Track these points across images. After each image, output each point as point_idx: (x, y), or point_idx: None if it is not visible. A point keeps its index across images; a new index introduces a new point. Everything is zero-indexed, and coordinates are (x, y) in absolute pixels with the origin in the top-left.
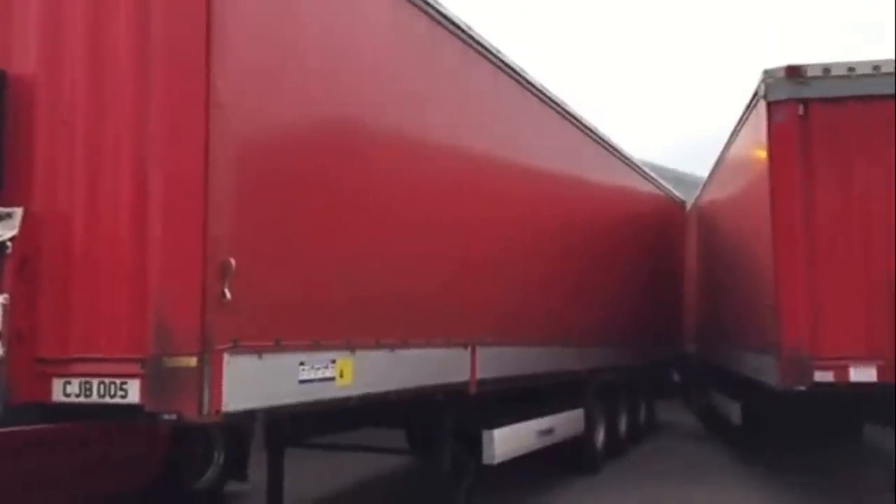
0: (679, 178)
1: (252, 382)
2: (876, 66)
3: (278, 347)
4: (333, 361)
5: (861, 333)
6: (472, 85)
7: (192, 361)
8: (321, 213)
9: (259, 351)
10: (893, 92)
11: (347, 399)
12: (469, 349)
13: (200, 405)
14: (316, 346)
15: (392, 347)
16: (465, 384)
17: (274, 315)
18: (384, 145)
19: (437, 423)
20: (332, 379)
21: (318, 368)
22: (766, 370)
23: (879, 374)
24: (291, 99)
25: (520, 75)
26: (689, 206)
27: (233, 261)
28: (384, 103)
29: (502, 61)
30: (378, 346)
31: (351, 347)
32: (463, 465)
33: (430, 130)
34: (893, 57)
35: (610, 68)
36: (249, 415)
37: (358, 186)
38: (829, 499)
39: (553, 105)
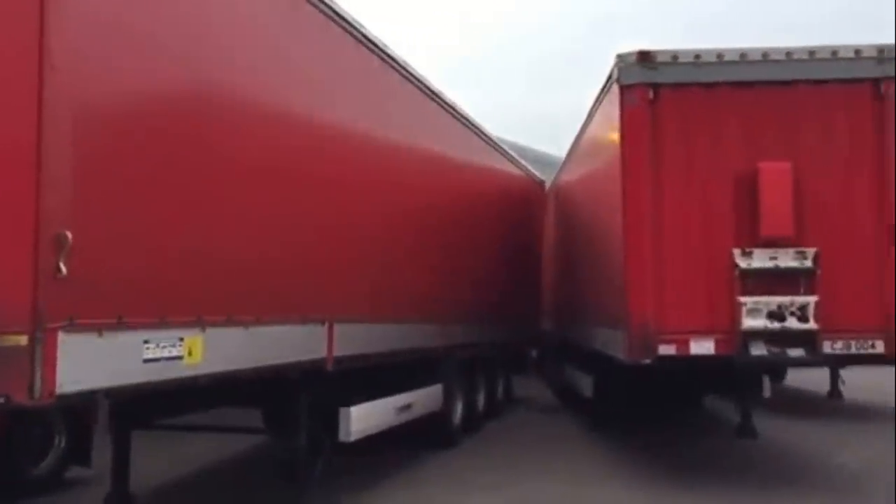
0: (540, 158)
1: (91, 362)
2: (720, 55)
3: (121, 325)
4: (181, 339)
5: (702, 309)
6: (333, 58)
7: (22, 340)
8: (169, 184)
9: (99, 329)
10: (736, 80)
11: (197, 378)
12: (326, 326)
13: (32, 387)
14: (162, 324)
15: (245, 324)
16: (322, 361)
17: (116, 291)
18: (238, 115)
19: (292, 401)
20: (179, 358)
21: (165, 347)
22: (616, 345)
23: (717, 347)
24: (138, 63)
25: (382, 50)
26: (548, 185)
27: (69, 234)
28: (240, 71)
29: (364, 36)
30: (230, 323)
31: (201, 325)
32: (318, 443)
33: (287, 101)
34: (740, 46)
35: (473, 48)
36: (89, 396)
37: (209, 158)
38: (673, 462)
39: (415, 81)
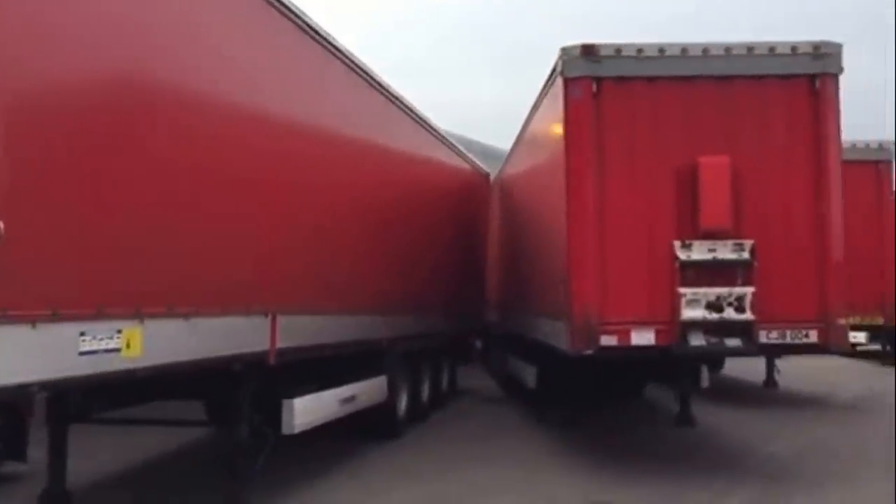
0: (486, 151)
1: (24, 355)
2: (661, 49)
3: (55, 317)
4: (119, 331)
5: (643, 300)
6: (274, 47)
7: None
8: (105, 173)
9: (33, 321)
10: (677, 74)
11: (135, 371)
12: (269, 317)
13: None
14: (99, 316)
15: (186, 316)
16: (265, 353)
17: (51, 282)
18: (174, 103)
19: (235, 393)
20: (117, 350)
21: (102, 339)
22: (558, 336)
23: (657, 338)
24: (70, 49)
25: (325, 40)
26: (493, 178)
27: (1, 225)
28: (176, 59)
29: (307, 24)
30: (170, 314)
31: (140, 316)
32: (261, 435)
33: (228, 90)
34: (680, 41)
35: (421, 42)
36: (23, 389)
37: (146, 145)
38: (613, 450)
39: (360, 72)
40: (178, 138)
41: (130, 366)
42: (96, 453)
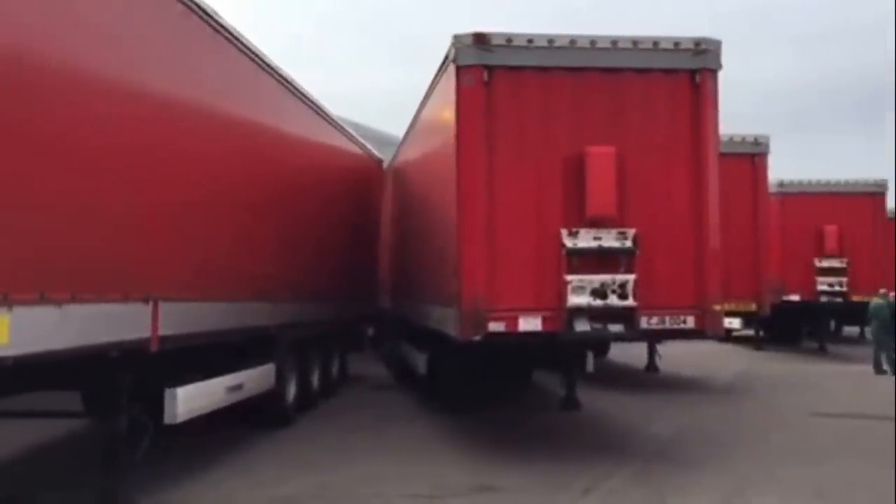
0: (381, 138)
1: None
2: (551, 40)
3: None
4: None
5: (531, 288)
6: (158, 26)
7: None
8: None
9: None
10: (566, 65)
11: (2, 360)
12: (151, 304)
13: None
14: None
15: (59, 303)
16: (146, 341)
17: None
18: (48, 81)
19: (113, 383)
20: None
21: None
22: (449, 322)
23: (544, 324)
24: None
25: (213, 18)
26: (386, 164)
27: None
28: (50, 37)
29: (196, 4)
30: (43, 301)
31: (8, 303)
32: (142, 425)
33: (103, 66)
34: (572, 33)
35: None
36: None
37: (18, 123)
38: (502, 436)
39: (248, 53)
40: (48, 120)
41: None
42: None
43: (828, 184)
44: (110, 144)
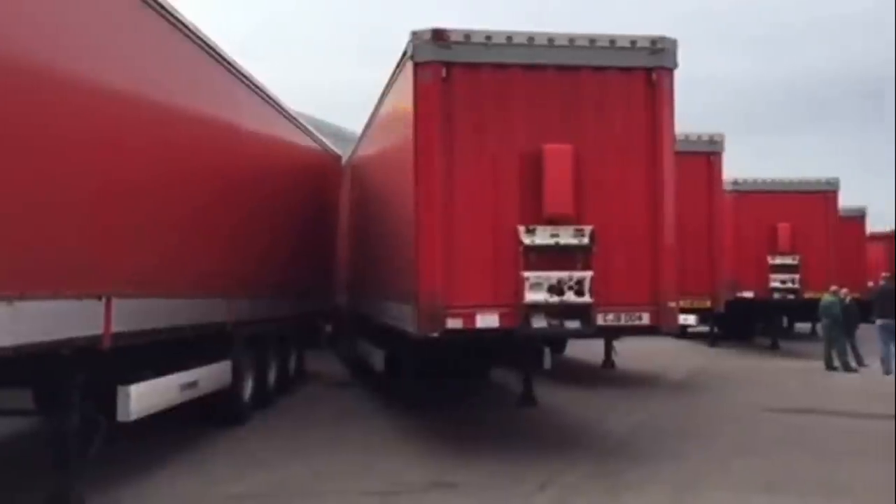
0: (340, 134)
1: None
2: (509, 37)
3: None
4: None
5: (488, 284)
6: (97, 13)
7: None
8: None
9: None
10: (524, 62)
11: None
12: (104, 301)
13: None
14: None
15: (8, 299)
16: (99, 338)
17: None
18: None
19: (65, 380)
20: None
21: None
22: (406, 319)
23: (501, 321)
24: None
25: (168, 12)
26: (345, 160)
27: None
28: None
29: None
30: None
31: None
32: (94, 423)
33: (50, 56)
34: (530, 31)
35: (275, 22)
36: None
37: None
38: (458, 432)
39: (201, 44)
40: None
41: None
42: None
43: (781, 182)
44: (59, 139)
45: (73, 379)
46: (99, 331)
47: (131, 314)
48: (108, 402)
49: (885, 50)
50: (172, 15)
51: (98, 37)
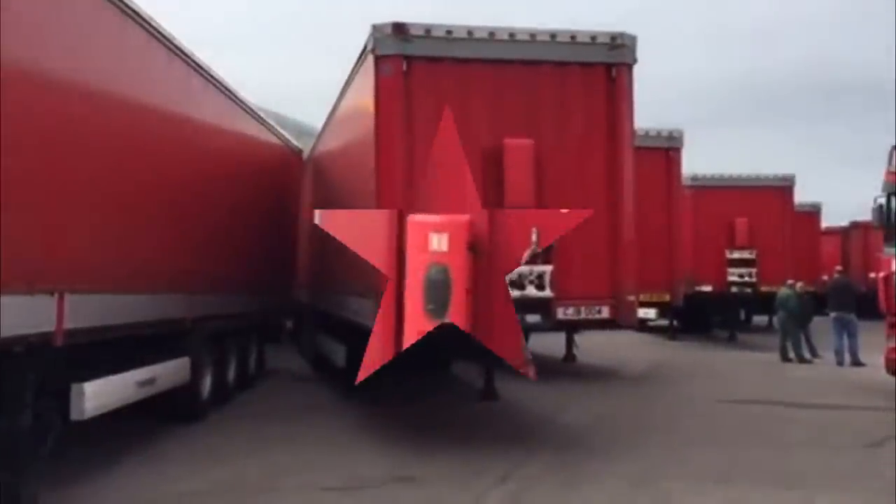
0: (301, 128)
1: None
2: (470, 32)
3: None
4: None
5: None
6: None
7: None
8: None
9: None
10: (485, 57)
11: None
12: (56, 296)
13: None
14: None
15: None
16: (51, 335)
17: None
18: None
19: (16, 378)
20: None
21: None
22: (367, 313)
23: None
24: None
25: (126, 5)
26: (306, 155)
27: None
28: None
29: None
30: None
31: None
32: (48, 422)
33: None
34: (491, 26)
35: (237, 14)
36: None
37: None
38: (420, 426)
39: (156, 34)
40: None
41: None
42: None
43: (738, 178)
44: (4, 134)
45: (25, 377)
46: (52, 327)
47: (86, 310)
48: (62, 400)
49: (840, 48)
50: (132, 9)
51: (42, 26)
